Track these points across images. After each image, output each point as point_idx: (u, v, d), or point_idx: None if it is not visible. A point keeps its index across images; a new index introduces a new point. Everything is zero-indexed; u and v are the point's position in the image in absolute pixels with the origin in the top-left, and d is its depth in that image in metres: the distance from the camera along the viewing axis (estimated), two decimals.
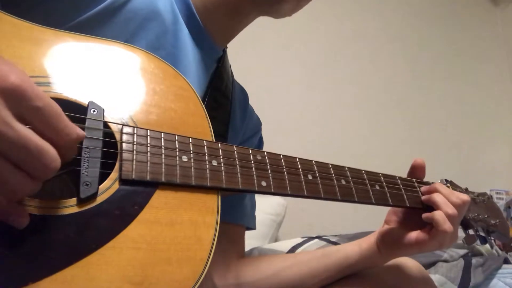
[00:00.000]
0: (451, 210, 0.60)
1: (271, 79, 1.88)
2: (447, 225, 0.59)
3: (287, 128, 1.85)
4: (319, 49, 2.09)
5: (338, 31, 2.17)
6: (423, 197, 0.64)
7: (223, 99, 0.73)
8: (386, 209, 0.69)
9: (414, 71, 2.40)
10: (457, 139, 2.45)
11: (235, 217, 0.76)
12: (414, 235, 0.62)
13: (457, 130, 2.48)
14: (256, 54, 1.81)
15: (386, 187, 0.61)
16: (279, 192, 0.50)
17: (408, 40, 2.42)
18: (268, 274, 0.71)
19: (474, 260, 1.23)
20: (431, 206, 0.63)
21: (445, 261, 1.20)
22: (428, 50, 2.49)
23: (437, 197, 0.62)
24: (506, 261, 1.30)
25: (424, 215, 0.62)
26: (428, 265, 1.16)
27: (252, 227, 0.81)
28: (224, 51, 0.75)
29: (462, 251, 1.25)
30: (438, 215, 0.60)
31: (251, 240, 1.24)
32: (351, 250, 0.69)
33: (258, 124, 0.85)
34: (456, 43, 2.63)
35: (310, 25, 2.06)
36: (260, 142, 0.86)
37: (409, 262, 0.71)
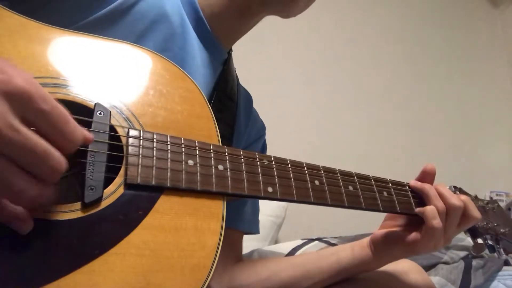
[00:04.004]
0: (441, 205, 0.59)
1: (272, 82, 1.87)
2: (435, 221, 0.57)
3: (289, 131, 1.84)
4: (320, 52, 2.08)
5: (338, 34, 2.17)
6: (413, 183, 0.63)
7: (229, 101, 0.72)
8: None
9: (414, 73, 2.39)
10: (457, 141, 2.44)
11: (234, 222, 0.75)
12: (408, 235, 0.61)
13: (457, 132, 2.47)
14: (257, 58, 1.80)
15: (394, 194, 0.60)
16: (285, 198, 0.50)
17: (408, 42, 2.42)
18: (262, 277, 0.71)
19: (474, 262, 1.22)
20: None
21: (446, 263, 1.19)
22: (428, 52, 2.48)
23: (430, 190, 0.61)
24: (506, 263, 1.30)
25: (418, 208, 0.61)
26: (428, 267, 1.15)
27: (254, 232, 0.81)
28: (229, 54, 0.74)
29: (463, 253, 1.25)
30: (429, 209, 0.58)
31: (251, 241, 1.23)
32: (343, 254, 0.68)
33: (262, 128, 0.84)
34: (456, 44, 2.63)
35: (311, 28, 2.06)
36: (264, 147, 0.85)
37: (408, 264, 0.70)
